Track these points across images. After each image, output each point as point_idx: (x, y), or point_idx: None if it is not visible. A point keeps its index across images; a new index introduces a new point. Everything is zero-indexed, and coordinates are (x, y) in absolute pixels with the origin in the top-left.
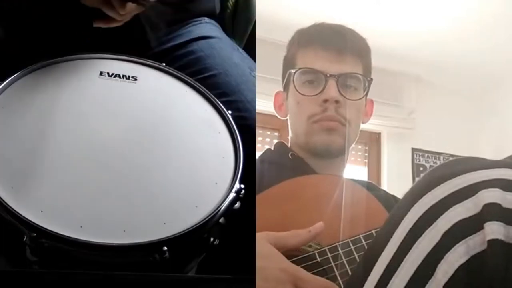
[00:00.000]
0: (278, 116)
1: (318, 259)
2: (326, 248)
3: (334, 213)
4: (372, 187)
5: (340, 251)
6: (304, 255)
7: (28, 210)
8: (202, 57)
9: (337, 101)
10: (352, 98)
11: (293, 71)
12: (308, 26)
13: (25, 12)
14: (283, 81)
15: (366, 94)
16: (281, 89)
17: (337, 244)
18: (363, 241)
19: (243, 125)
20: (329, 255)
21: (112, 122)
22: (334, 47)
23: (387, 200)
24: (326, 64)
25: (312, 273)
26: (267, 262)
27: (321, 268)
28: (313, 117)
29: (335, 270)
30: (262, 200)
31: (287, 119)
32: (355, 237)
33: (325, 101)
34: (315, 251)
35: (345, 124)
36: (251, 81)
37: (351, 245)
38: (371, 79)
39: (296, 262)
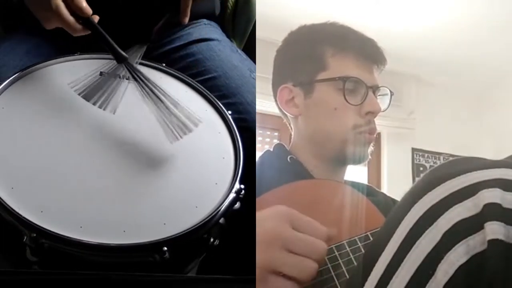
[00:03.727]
0: (286, 112)
1: None
2: None
3: (330, 217)
4: (371, 191)
5: (336, 253)
6: None
7: (28, 210)
8: (201, 59)
9: (376, 115)
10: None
11: (335, 78)
12: (337, 25)
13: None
14: (288, 74)
15: (388, 106)
16: (287, 85)
17: (333, 246)
18: (358, 242)
19: (243, 127)
20: (325, 257)
21: (112, 122)
22: (369, 57)
23: (387, 204)
24: (363, 73)
25: None
26: (262, 213)
27: (318, 270)
28: (358, 128)
29: (332, 272)
30: (260, 204)
31: (292, 117)
32: (351, 239)
33: (368, 113)
34: None
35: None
36: (251, 83)
37: (347, 247)
38: (393, 93)
39: None
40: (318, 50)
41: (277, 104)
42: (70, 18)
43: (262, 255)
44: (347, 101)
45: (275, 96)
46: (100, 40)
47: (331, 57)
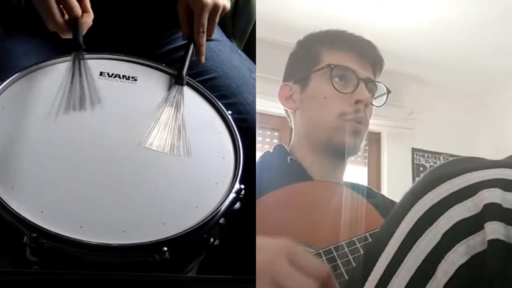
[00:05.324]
0: (285, 107)
1: None
2: (321, 251)
3: (329, 219)
4: (370, 193)
5: (335, 253)
6: None
7: (28, 210)
8: None
9: (366, 104)
10: (375, 104)
11: (323, 66)
12: (335, 30)
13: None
14: (291, 74)
15: (384, 102)
16: (288, 82)
17: (331, 247)
18: (357, 243)
19: (243, 127)
20: (324, 258)
21: (112, 122)
22: (364, 55)
23: (386, 206)
24: (355, 66)
25: None
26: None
27: None
28: (345, 115)
29: None
30: (260, 206)
31: (292, 113)
32: (349, 240)
33: (357, 102)
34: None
35: (367, 128)
36: (251, 83)
37: (345, 247)
38: (390, 91)
39: None
40: (315, 49)
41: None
42: (60, 19)
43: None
44: (334, 87)
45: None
46: (72, 29)
47: (325, 52)
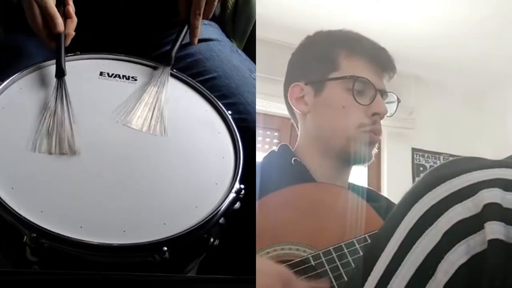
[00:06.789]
0: (295, 108)
1: (313, 263)
2: (320, 252)
3: (332, 221)
4: (373, 196)
5: (334, 254)
6: (299, 259)
7: (28, 210)
8: (201, 59)
9: (382, 117)
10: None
11: (346, 76)
12: (348, 31)
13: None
14: (300, 73)
15: (395, 111)
16: (299, 83)
17: (331, 248)
18: (356, 244)
19: (243, 127)
20: (323, 259)
21: (112, 122)
22: (380, 63)
23: (389, 210)
24: (373, 77)
25: (307, 277)
26: (262, 266)
27: (315, 272)
28: (363, 127)
29: (329, 273)
30: (261, 206)
31: (300, 115)
32: (348, 241)
33: (375, 114)
34: (309, 255)
35: (380, 138)
36: (251, 83)
37: (344, 248)
38: (400, 101)
39: (291, 266)
40: (332, 51)
41: (286, 102)
42: (42, 30)
43: None
44: (356, 100)
45: (285, 94)
46: (55, 53)
47: (344, 58)
